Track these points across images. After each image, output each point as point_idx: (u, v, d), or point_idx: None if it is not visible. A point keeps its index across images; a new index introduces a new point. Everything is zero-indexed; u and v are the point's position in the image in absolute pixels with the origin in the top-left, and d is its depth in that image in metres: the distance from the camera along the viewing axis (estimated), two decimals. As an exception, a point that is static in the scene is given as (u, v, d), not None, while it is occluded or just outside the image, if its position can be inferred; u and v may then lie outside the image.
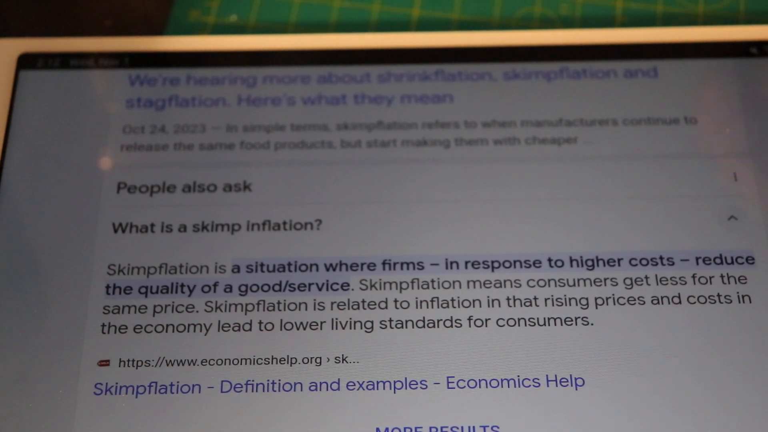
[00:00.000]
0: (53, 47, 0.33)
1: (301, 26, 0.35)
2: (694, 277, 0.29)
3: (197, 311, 0.28)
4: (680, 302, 0.28)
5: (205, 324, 0.28)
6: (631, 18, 0.35)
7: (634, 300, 0.28)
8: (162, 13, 0.35)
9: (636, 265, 0.29)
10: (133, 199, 0.30)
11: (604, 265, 0.29)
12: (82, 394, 0.27)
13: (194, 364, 0.27)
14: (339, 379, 0.27)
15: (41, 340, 0.28)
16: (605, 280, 0.29)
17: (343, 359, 0.28)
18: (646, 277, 0.29)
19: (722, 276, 0.29)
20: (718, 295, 0.28)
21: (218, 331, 0.28)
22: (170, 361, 0.27)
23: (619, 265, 0.29)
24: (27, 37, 0.33)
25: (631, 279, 0.29)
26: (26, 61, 0.32)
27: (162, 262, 0.29)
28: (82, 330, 0.28)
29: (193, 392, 0.27)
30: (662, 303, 0.28)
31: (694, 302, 0.28)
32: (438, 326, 0.28)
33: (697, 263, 0.29)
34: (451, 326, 0.28)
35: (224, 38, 0.33)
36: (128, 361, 0.27)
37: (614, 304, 0.28)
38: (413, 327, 0.28)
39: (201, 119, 0.31)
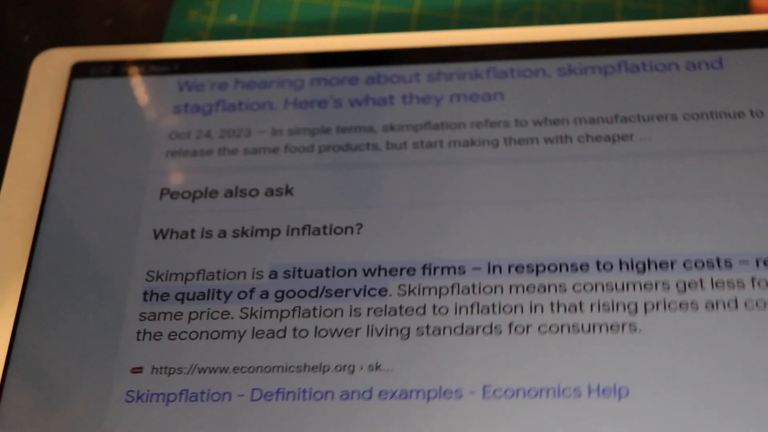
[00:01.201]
0: (106, 55, 0.33)
1: (300, 26, 0.34)
2: (753, 280, 0.27)
3: (232, 318, 0.28)
4: (737, 308, 0.27)
5: (239, 331, 0.28)
6: (631, 17, 0.34)
7: (687, 305, 0.27)
8: (162, 13, 0.35)
9: (690, 268, 0.27)
10: (175, 205, 0.30)
11: (656, 268, 0.27)
12: (114, 401, 0.27)
13: (226, 372, 0.27)
14: (371, 388, 0.27)
15: (77, 345, 0.28)
16: (656, 284, 0.27)
17: (377, 367, 0.27)
18: (701, 281, 0.27)
19: (784, 278, 0.27)
20: (780, 299, 0.26)
21: (252, 337, 0.27)
22: (202, 368, 0.27)
23: (672, 268, 0.27)
24: (82, 46, 0.33)
25: (684, 283, 0.27)
26: (79, 70, 0.33)
27: (200, 268, 0.29)
28: (118, 336, 0.28)
29: (223, 400, 0.27)
30: (717, 308, 0.27)
31: (753, 308, 0.27)
32: (477, 333, 0.27)
33: (758, 265, 0.27)
34: (491, 333, 0.27)
35: (274, 41, 0.33)
36: (161, 368, 0.27)
37: (665, 309, 0.27)
38: (451, 334, 0.27)
39: (247, 123, 0.31)
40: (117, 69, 0.33)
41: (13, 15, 0.36)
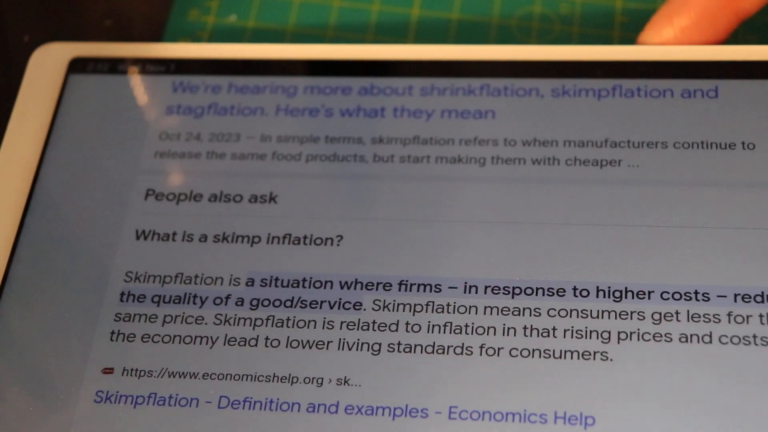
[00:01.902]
0: (104, 52, 0.33)
1: (300, 26, 0.34)
2: (729, 315, 0.27)
3: (206, 323, 0.28)
4: (711, 342, 0.26)
5: (212, 337, 0.28)
6: (631, 17, 0.34)
7: (661, 336, 0.26)
8: (162, 13, 0.36)
9: (668, 299, 0.27)
10: (159, 206, 0.30)
11: (633, 297, 0.27)
12: (83, 401, 0.27)
13: (196, 378, 0.27)
14: (338, 402, 0.26)
15: (50, 342, 0.28)
16: (632, 313, 0.27)
17: (345, 381, 0.27)
18: (677, 313, 0.27)
19: (761, 316, 0.26)
20: (754, 337, 0.26)
21: (224, 344, 0.27)
22: (173, 372, 0.27)
23: (649, 298, 0.27)
24: (81, 41, 0.33)
25: (660, 314, 0.27)
26: (77, 65, 0.33)
27: (178, 272, 0.29)
28: (92, 335, 0.28)
29: (190, 406, 0.27)
30: (691, 341, 0.26)
31: (727, 342, 0.26)
32: (447, 353, 0.27)
33: (735, 300, 0.27)
34: (462, 353, 0.27)
35: (271, 46, 0.33)
36: (132, 370, 0.27)
37: (638, 339, 0.27)
38: (422, 352, 0.27)
39: (237, 128, 0.31)
40: (114, 66, 0.33)
41: (13, 15, 0.36)
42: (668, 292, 0.27)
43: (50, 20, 0.36)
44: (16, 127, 0.32)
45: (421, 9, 0.35)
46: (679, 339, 0.26)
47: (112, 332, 0.28)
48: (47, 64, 0.33)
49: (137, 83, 0.32)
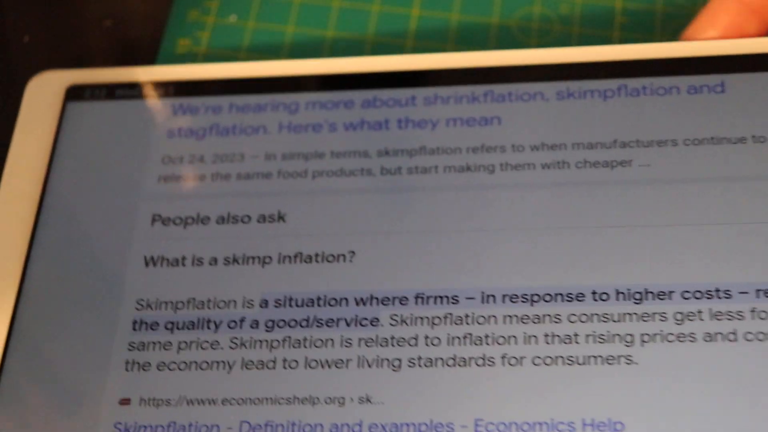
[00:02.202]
0: (101, 78, 0.33)
1: (300, 26, 0.34)
2: (753, 311, 0.26)
3: (222, 348, 0.27)
4: (736, 339, 0.26)
5: (228, 361, 0.27)
6: (631, 17, 0.34)
7: (685, 337, 0.26)
8: (162, 13, 0.35)
9: (689, 298, 0.27)
10: (166, 231, 0.29)
11: (654, 298, 0.27)
12: (101, 434, 0.26)
13: (214, 404, 0.27)
14: (361, 421, 0.26)
15: (66, 375, 0.27)
16: (654, 314, 0.26)
17: (368, 399, 0.26)
18: (699, 312, 0.26)
19: (785, 310, 0.26)
20: (779, 332, 0.26)
21: (241, 368, 0.27)
22: (191, 400, 0.27)
23: (670, 298, 0.27)
24: (75, 69, 0.33)
25: (682, 314, 0.26)
26: (74, 93, 0.32)
27: (190, 297, 0.28)
28: (108, 366, 0.27)
29: (210, 433, 0.26)
30: (716, 340, 0.26)
31: (752, 339, 0.26)
32: (469, 365, 0.26)
33: (758, 296, 0.26)
34: (483, 365, 0.26)
35: (269, 64, 0.32)
36: (149, 399, 0.27)
37: (662, 341, 0.26)
38: (443, 365, 0.27)
39: (240, 148, 0.31)
40: (111, 92, 0.32)
41: (13, 15, 0.36)
42: (689, 291, 0.27)
43: (50, 20, 0.36)
44: (16, 160, 0.31)
45: (421, 9, 0.34)
46: (704, 338, 0.26)
47: (127, 362, 0.27)
48: (43, 93, 0.32)
49: (136, 108, 0.32)
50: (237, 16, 0.35)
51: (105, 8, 0.36)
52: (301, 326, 0.27)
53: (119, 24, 0.35)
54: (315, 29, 0.35)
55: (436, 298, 0.27)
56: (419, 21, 0.34)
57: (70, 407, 0.27)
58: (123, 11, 0.36)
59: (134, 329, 0.28)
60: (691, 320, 0.26)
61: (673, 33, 0.34)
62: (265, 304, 0.28)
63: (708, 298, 0.27)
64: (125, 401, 0.27)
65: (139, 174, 0.30)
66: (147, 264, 0.29)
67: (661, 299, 0.27)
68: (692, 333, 0.26)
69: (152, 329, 0.28)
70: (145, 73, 0.32)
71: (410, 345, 0.27)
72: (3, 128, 0.32)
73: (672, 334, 0.26)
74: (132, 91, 0.32)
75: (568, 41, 0.34)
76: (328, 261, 0.28)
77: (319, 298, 0.28)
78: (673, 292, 0.27)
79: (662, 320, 0.26)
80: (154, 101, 0.32)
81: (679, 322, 0.26)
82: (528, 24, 0.34)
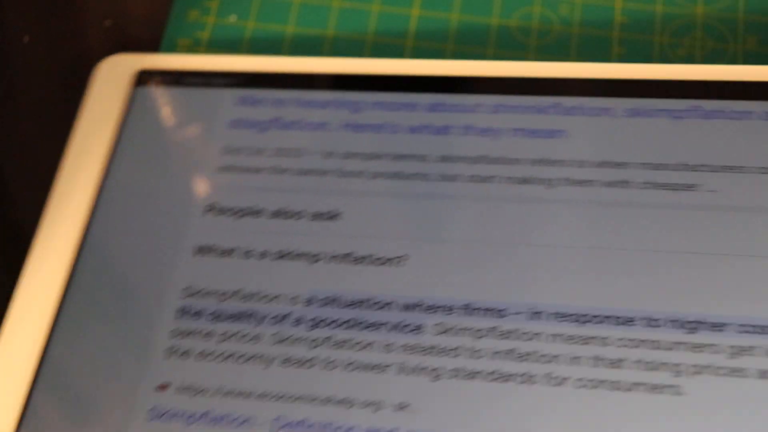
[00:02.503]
0: (171, 64, 0.33)
1: (300, 26, 0.34)
2: (811, 351, 0.25)
3: (263, 342, 0.27)
4: (790, 378, 0.25)
5: (268, 356, 0.27)
6: (631, 17, 0.33)
7: (737, 372, 0.25)
8: (162, 14, 0.35)
9: (745, 332, 0.26)
10: (219, 221, 0.29)
11: (708, 329, 0.26)
12: (136, 417, 0.26)
13: (250, 397, 0.26)
14: (396, 428, 0.26)
15: (107, 357, 0.27)
16: (706, 346, 0.26)
17: (404, 407, 0.26)
18: (754, 347, 0.25)
19: (844, 352, 0.25)
20: (837, 375, 0.25)
21: (280, 364, 0.27)
22: (227, 391, 0.27)
23: (724, 331, 0.26)
24: (146, 53, 0.33)
25: (736, 347, 0.25)
26: (143, 78, 0.32)
27: (236, 289, 0.28)
28: (148, 351, 0.27)
29: (242, 426, 0.26)
30: (768, 378, 0.25)
31: (807, 380, 0.25)
32: (510, 381, 0.26)
33: (817, 335, 0.25)
34: (525, 382, 0.26)
35: (340, 60, 0.32)
36: (186, 387, 0.27)
37: (712, 374, 0.25)
38: (483, 380, 0.26)
39: (300, 143, 0.30)
40: (179, 79, 0.32)
41: (13, 15, 0.36)
42: (745, 325, 0.26)
43: (50, 20, 0.36)
44: (82, 139, 0.31)
45: (421, 9, 0.34)
46: (758, 375, 0.25)
47: (168, 348, 0.27)
48: (113, 76, 0.32)
49: (202, 96, 0.32)
50: (237, 16, 0.35)
51: (105, 8, 0.36)
52: (345, 327, 0.27)
53: (119, 24, 0.36)
54: (315, 29, 0.34)
55: (483, 310, 0.27)
56: (419, 21, 0.34)
57: (109, 389, 0.27)
58: (123, 11, 0.36)
59: (178, 317, 0.28)
60: (744, 355, 0.25)
61: (673, 33, 0.33)
62: (310, 302, 0.28)
63: (765, 333, 0.26)
64: (163, 387, 0.27)
65: (199, 162, 0.30)
66: (197, 253, 0.29)
67: (716, 331, 0.26)
68: (745, 368, 0.25)
69: (196, 318, 0.28)
70: (214, 62, 0.32)
71: (452, 356, 0.26)
72: (8, 125, 0.32)
73: (724, 368, 0.25)
74: (199, 79, 0.32)
75: (568, 41, 0.33)
76: (379, 263, 0.28)
77: (365, 301, 0.27)
78: (728, 324, 0.26)
79: (715, 353, 0.25)
80: (220, 90, 0.32)
81: (732, 357, 0.25)
82: (528, 24, 0.34)
